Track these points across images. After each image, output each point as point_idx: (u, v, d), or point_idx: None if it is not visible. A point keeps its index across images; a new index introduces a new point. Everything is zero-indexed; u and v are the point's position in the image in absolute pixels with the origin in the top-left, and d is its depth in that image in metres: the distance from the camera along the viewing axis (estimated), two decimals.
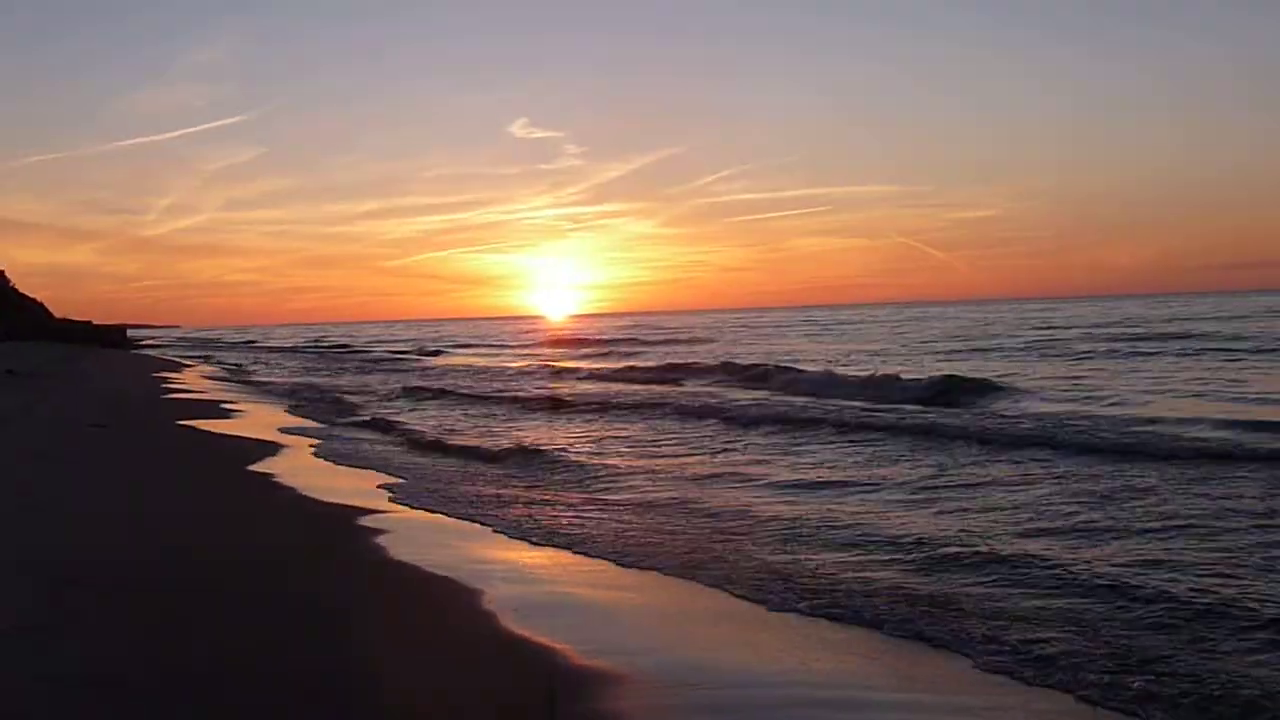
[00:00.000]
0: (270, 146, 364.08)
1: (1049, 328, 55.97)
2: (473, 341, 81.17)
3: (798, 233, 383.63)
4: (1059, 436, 14.95)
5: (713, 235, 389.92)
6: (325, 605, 6.79)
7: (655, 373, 35.64)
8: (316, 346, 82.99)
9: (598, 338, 73.21)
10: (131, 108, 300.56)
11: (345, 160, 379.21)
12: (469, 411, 23.89)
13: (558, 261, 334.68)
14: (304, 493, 11.66)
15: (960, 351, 40.84)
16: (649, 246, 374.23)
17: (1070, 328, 54.99)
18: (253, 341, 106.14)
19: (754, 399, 24.07)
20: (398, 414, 22.79)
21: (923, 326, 69.30)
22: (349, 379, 38.29)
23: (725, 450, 15.77)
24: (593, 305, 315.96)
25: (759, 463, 14.25)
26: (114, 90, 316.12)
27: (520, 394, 28.07)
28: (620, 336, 72.69)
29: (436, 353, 64.36)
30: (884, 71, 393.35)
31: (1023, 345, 42.41)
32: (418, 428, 19.47)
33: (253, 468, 13.85)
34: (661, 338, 68.91)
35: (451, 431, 19.08)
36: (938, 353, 41.03)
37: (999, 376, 27.24)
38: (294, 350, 77.45)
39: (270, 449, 16.03)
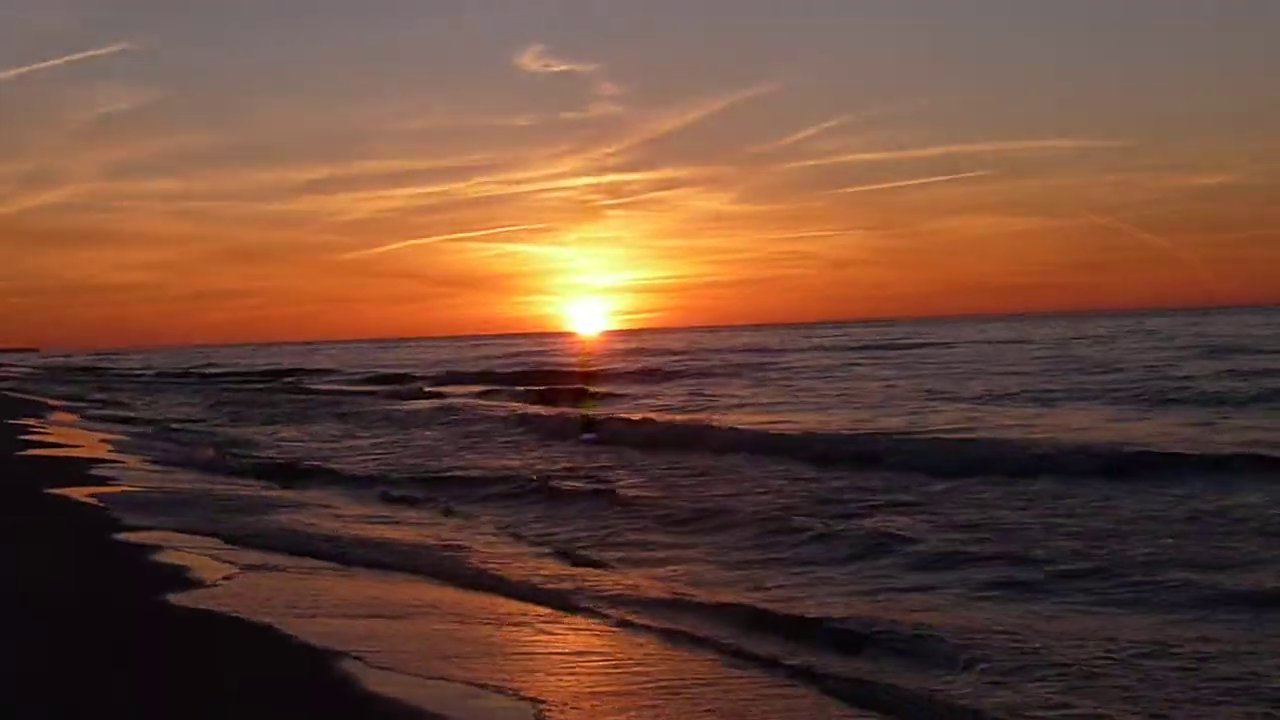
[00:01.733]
0: (171, 87, 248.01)
1: None
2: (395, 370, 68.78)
3: (941, 209, 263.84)
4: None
5: (817, 213, 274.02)
6: None
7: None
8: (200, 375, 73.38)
9: (573, 370, 55.46)
10: None
11: (281, 107, 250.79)
12: None
13: (589, 254, 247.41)
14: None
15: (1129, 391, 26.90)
16: (724, 232, 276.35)
17: None
18: (108, 370, 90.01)
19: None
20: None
21: (1108, 350, 47.64)
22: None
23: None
24: (640, 318, 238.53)
25: None
26: None
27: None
28: (619, 368, 53.77)
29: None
30: None
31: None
32: None
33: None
34: (671, 367, 51.34)
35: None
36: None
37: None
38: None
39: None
